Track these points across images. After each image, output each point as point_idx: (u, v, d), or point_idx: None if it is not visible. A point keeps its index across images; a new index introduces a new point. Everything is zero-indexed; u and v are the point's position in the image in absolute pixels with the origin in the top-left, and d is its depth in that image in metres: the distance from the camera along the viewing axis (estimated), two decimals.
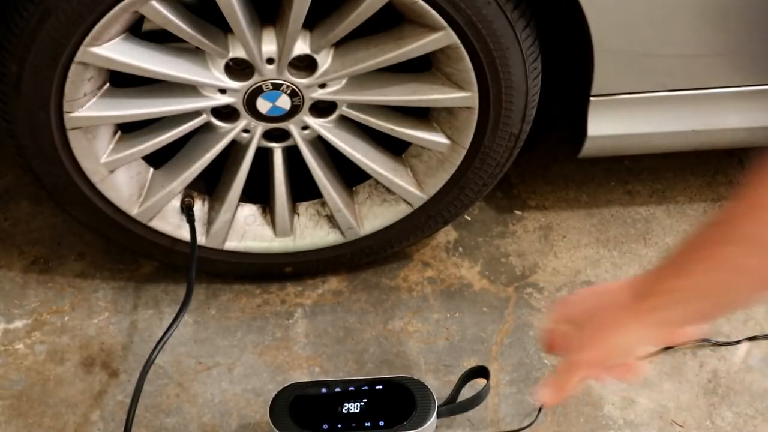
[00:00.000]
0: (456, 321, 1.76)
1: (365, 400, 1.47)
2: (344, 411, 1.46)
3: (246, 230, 1.74)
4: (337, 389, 1.49)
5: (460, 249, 1.88)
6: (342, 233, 1.74)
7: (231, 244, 1.73)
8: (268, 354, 1.70)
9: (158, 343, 1.59)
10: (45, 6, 1.37)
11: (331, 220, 1.74)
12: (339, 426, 1.45)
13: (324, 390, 1.49)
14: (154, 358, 1.58)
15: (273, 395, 1.49)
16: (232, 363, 1.69)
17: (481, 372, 1.58)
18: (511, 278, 1.83)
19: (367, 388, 1.48)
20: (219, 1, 1.40)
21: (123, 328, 1.73)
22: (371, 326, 1.75)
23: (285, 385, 1.51)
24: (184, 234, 1.70)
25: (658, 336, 0.89)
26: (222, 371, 1.68)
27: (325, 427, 1.45)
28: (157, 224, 1.68)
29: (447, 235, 1.90)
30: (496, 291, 1.81)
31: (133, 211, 1.65)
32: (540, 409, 1.62)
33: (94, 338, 1.72)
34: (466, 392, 1.56)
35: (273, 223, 1.73)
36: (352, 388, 1.49)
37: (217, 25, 1.48)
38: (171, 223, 1.69)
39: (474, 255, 1.87)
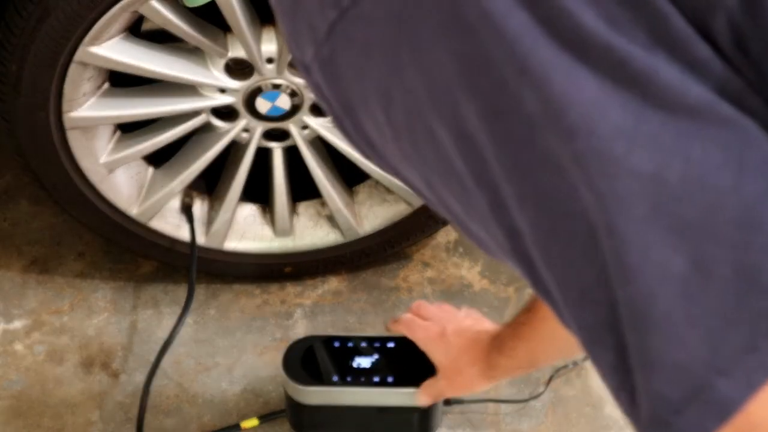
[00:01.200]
0: None
1: (376, 356, 1.50)
2: (355, 366, 1.49)
3: (246, 230, 1.74)
4: (350, 344, 1.52)
5: (460, 249, 1.88)
6: (342, 233, 1.74)
7: (231, 244, 1.73)
8: (268, 354, 1.70)
9: (163, 347, 1.59)
10: (44, 5, 1.36)
11: (331, 220, 1.74)
12: (348, 379, 1.48)
13: (337, 344, 1.52)
14: (159, 362, 1.59)
15: (288, 345, 1.52)
16: (232, 363, 1.69)
17: None
18: (511, 278, 1.83)
19: (379, 344, 1.51)
20: (218, 1, 1.40)
21: (123, 328, 1.73)
22: (371, 326, 1.75)
23: (300, 338, 1.55)
24: (184, 234, 1.69)
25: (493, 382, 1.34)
26: (222, 371, 1.67)
27: (335, 379, 1.48)
28: (157, 224, 1.68)
29: (447, 235, 1.89)
30: (496, 291, 1.81)
31: (133, 211, 1.65)
32: (549, 380, 1.62)
33: (93, 338, 1.71)
34: None
35: (273, 223, 1.73)
36: (364, 344, 1.52)
37: (216, 24, 1.48)
38: (170, 223, 1.69)
39: (474, 255, 1.86)
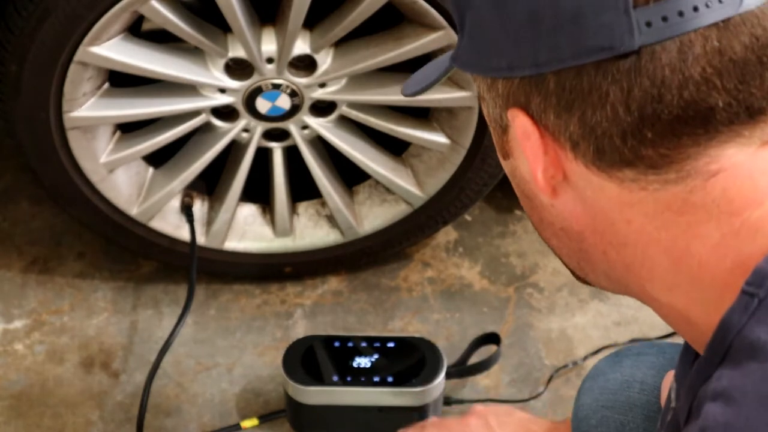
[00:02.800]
0: (456, 321, 1.75)
1: (376, 356, 1.51)
2: (355, 366, 1.50)
3: (246, 230, 1.74)
4: (350, 344, 1.53)
5: (460, 249, 1.88)
6: (342, 233, 1.73)
7: (231, 244, 1.73)
8: (268, 354, 1.70)
9: (164, 347, 1.59)
10: (44, 5, 1.37)
11: (331, 220, 1.74)
12: (348, 379, 1.48)
13: (337, 344, 1.53)
14: (160, 362, 1.59)
15: (288, 345, 1.54)
16: (232, 363, 1.69)
17: (492, 338, 1.61)
18: (511, 278, 1.83)
19: (379, 344, 1.53)
20: (218, 1, 1.40)
21: (122, 328, 1.73)
22: (371, 326, 1.75)
23: (300, 338, 1.56)
24: (184, 234, 1.69)
25: None
26: (222, 371, 1.67)
27: (335, 378, 1.48)
28: (157, 224, 1.68)
29: (447, 235, 1.89)
30: (496, 291, 1.81)
31: (133, 210, 1.65)
32: (549, 380, 1.62)
33: (93, 338, 1.71)
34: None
35: (273, 223, 1.73)
36: (364, 344, 1.53)
37: (216, 24, 1.48)
38: (170, 223, 1.69)
39: (474, 255, 1.87)
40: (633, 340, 1.71)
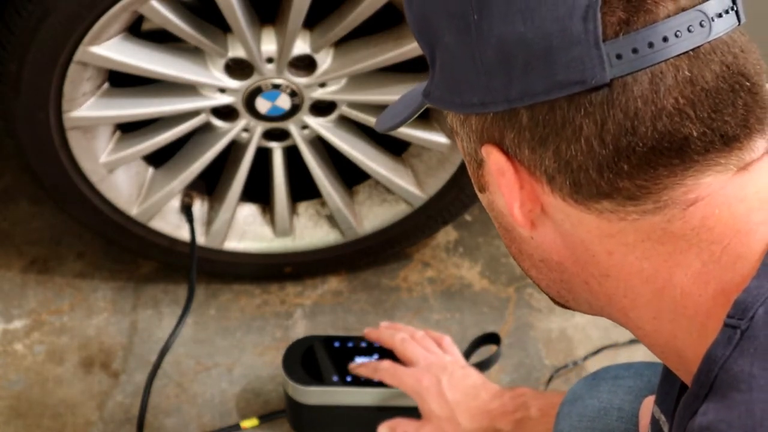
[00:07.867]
0: (456, 321, 1.75)
1: (376, 356, 1.50)
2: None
3: (245, 230, 1.74)
4: (350, 344, 1.53)
5: (461, 249, 1.88)
6: (342, 233, 1.74)
7: (230, 244, 1.73)
8: (268, 354, 1.70)
9: (164, 347, 1.59)
10: (44, 5, 1.37)
11: (331, 220, 1.74)
12: (348, 379, 1.49)
13: (337, 344, 1.53)
14: (160, 363, 1.59)
15: (288, 345, 1.54)
16: (232, 363, 1.69)
17: (492, 338, 1.61)
18: (511, 278, 1.83)
19: (378, 344, 1.52)
20: (218, 1, 1.40)
21: (122, 329, 1.73)
22: (371, 326, 1.74)
23: (300, 338, 1.56)
24: (184, 234, 1.69)
25: None
26: (222, 371, 1.67)
27: (335, 379, 1.49)
28: (157, 224, 1.68)
29: (447, 235, 1.89)
30: (496, 291, 1.81)
31: (133, 211, 1.65)
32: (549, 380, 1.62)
33: (93, 338, 1.71)
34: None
35: (273, 223, 1.73)
36: (364, 344, 1.52)
37: (216, 24, 1.48)
38: (170, 223, 1.69)
39: (474, 255, 1.87)
40: (633, 341, 1.71)
